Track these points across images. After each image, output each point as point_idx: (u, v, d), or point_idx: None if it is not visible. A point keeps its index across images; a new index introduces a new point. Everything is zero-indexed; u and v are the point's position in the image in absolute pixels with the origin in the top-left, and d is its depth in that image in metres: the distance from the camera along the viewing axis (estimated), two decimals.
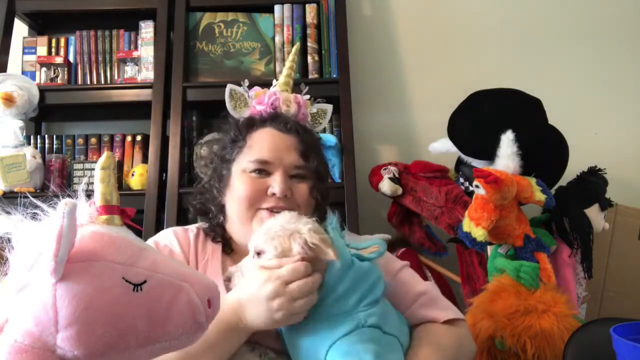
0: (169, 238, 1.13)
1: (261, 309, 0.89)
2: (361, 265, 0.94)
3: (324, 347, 0.89)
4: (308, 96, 1.28)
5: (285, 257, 0.91)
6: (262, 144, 1.11)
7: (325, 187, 1.18)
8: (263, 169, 1.10)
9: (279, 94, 1.22)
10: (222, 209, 1.15)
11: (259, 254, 0.94)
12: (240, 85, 1.26)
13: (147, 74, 2.00)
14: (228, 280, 0.96)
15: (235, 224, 1.13)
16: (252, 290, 0.90)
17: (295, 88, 1.31)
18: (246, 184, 1.09)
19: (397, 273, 1.12)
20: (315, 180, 1.13)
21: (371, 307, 0.92)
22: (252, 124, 1.16)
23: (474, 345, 1.13)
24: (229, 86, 1.26)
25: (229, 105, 1.25)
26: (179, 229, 1.18)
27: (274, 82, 1.29)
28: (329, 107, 1.32)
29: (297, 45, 1.40)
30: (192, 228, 1.18)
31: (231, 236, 1.16)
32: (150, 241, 1.12)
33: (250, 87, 1.26)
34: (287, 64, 1.32)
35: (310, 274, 0.90)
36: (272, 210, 1.07)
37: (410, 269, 1.17)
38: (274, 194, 1.07)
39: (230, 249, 1.14)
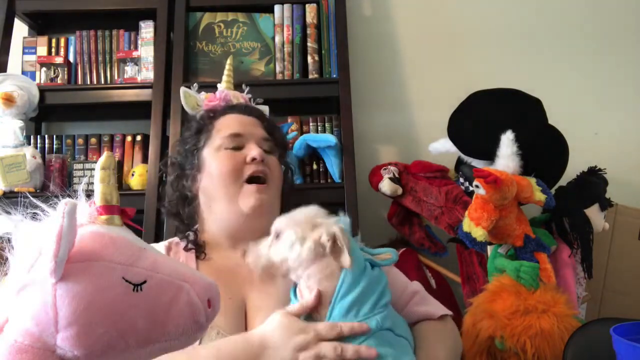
0: None
1: (285, 355, 0.87)
2: (374, 273, 0.96)
3: None
4: (250, 95, 1.47)
5: (302, 244, 0.92)
6: (231, 123, 1.19)
7: (286, 158, 1.28)
8: (236, 144, 1.15)
9: (227, 91, 1.39)
10: (195, 198, 1.17)
11: (278, 235, 0.96)
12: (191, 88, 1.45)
13: (147, 74, 2.00)
14: (244, 254, 1.00)
15: (219, 204, 1.13)
16: (283, 335, 0.89)
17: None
18: (225, 159, 1.13)
19: (387, 274, 1.13)
20: (282, 152, 1.23)
21: (384, 309, 0.94)
22: (214, 113, 1.24)
23: (460, 337, 1.19)
24: (183, 89, 1.41)
25: (185, 104, 1.39)
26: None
27: (219, 86, 1.47)
28: (265, 108, 1.49)
29: (231, 57, 1.58)
30: (164, 242, 1.19)
31: (205, 240, 1.16)
32: None
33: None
34: (227, 66, 1.53)
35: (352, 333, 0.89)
36: (257, 182, 1.11)
37: (396, 269, 1.20)
38: (253, 159, 1.12)
39: (204, 254, 1.15)
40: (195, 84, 1.43)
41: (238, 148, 1.15)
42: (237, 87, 1.54)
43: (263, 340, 0.88)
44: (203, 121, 1.22)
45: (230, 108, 1.26)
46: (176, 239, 1.20)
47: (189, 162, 1.19)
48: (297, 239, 0.93)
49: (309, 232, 0.93)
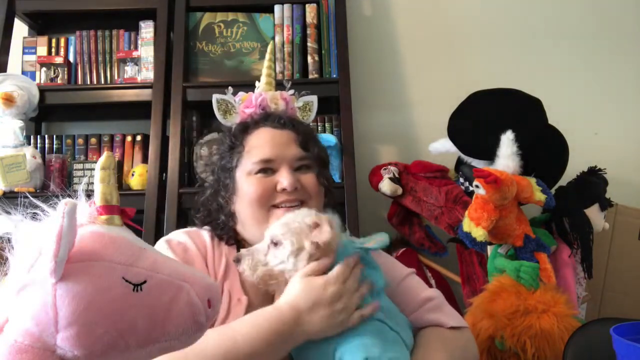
0: (182, 237, 1.12)
1: (324, 312, 0.90)
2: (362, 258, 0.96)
3: (332, 342, 0.90)
4: (292, 91, 1.29)
5: (299, 254, 0.92)
6: (262, 144, 1.11)
7: (328, 171, 1.20)
8: (268, 168, 1.10)
9: (264, 93, 1.23)
10: (232, 216, 1.14)
11: (275, 244, 0.94)
12: (221, 90, 1.28)
13: (147, 74, 2.00)
14: (237, 261, 0.96)
15: (250, 227, 1.11)
16: (311, 295, 0.91)
17: (278, 87, 1.32)
18: (254, 185, 1.08)
19: (404, 279, 1.12)
20: (320, 168, 1.15)
21: (374, 298, 0.93)
22: (246, 127, 1.16)
23: (477, 351, 1.13)
24: (215, 96, 1.27)
25: (218, 115, 1.26)
26: (191, 230, 1.16)
27: (257, 83, 1.30)
28: (314, 98, 1.33)
29: (271, 44, 1.40)
30: (205, 230, 1.16)
31: (244, 237, 1.14)
32: (162, 241, 1.10)
33: (234, 93, 1.27)
34: (266, 63, 1.32)
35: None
36: (286, 206, 1.08)
37: (417, 276, 1.16)
38: (284, 189, 1.07)
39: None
40: (230, 87, 1.29)
41: (270, 171, 1.10)
42: (279, 84, 1.34)
43: (293, 307, 0.90)
44: (235, 138, 1.16)
45: (263, 119, 1.17)
46: (210, 228, 1.17)
47: (224, 180, 1.15)
48: (293, 251, 0.93)
49: (305, 241, 0.93)
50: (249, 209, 1.09)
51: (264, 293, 1.04)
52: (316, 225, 0.94)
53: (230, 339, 0.87)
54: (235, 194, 1.12)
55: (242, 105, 1.24)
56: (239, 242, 1.14)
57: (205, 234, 1.14)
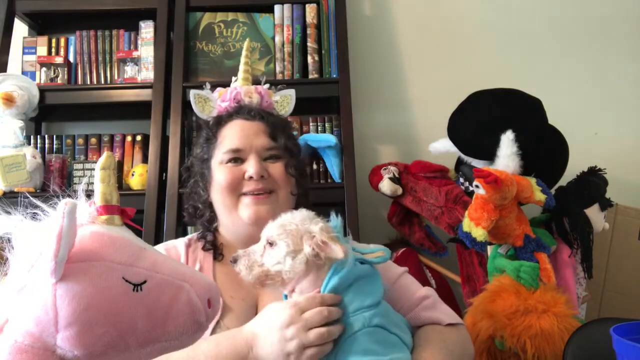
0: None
1: (274, 338, 0.88)
2: (362, 268, 0.95)
3: (331, 353, 0.90)
4: (268, 85, 1.34)
5: (296, 256, 0.91)
6: (232, 135, 1.17)
7: (300, 162, 1.23)
8: (237, 157, 1.15)
9: (239, 88, 1.29)
10: (210, 206, 1.20)
11: (271, 244, 0.94)
12: (203, 88, 1.36)
13: (147, 74, 2.00)
14: (234, 261, 0.96)
15: (223, 217, 1.17)
16: (267, 320, 0.91)
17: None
18: (224, 173, 1.14)
19: (398, 279, 1.13)
20: (289, 158, 1.19)
21: (374, 308, 0.93)
22: (220, 120, 1.23)
23: (473, 348, 1.14)
24: (192, 92, 1.34)
25: (195, 109, 1.33)
26: (168, 243, 1.22)
27: (233, 78, 1.36)
28: (291, 92, 1.39)
29: (247, 41, 1.43)
30: (184, 239, 1.22)
31: (222, 242, 1.19)
32: None
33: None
34: (242, 59, 1.37)
35: (329, 305, 0.90)
36: (254, 194, 1.13)
37: (410, 275, 1.18)
38: (251, 177, 1.13)
39: (221, 256, 1.17)
40: (207, 83, 1.36)
41: (239, 161, 1.15)
42: (257, 83, 1.37)
43: (253, 331, 0.92)
44: (210, 130, 1.22)
45: (236, 112, 1.23)
46: (196, 236, 1.22)
47: (201, 171, 1.21)
48: (289, 252, 0.92)
49: (301, 243, 0.92)
50: (220, 196, 1.15)
51: (239, 296, 1.08)
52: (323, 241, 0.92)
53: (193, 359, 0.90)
54: (210, 185, 1.18)
55: (219, 99, 1.30)
56: (216, 248, 1.18)
57: (180, 245, 1.19)
